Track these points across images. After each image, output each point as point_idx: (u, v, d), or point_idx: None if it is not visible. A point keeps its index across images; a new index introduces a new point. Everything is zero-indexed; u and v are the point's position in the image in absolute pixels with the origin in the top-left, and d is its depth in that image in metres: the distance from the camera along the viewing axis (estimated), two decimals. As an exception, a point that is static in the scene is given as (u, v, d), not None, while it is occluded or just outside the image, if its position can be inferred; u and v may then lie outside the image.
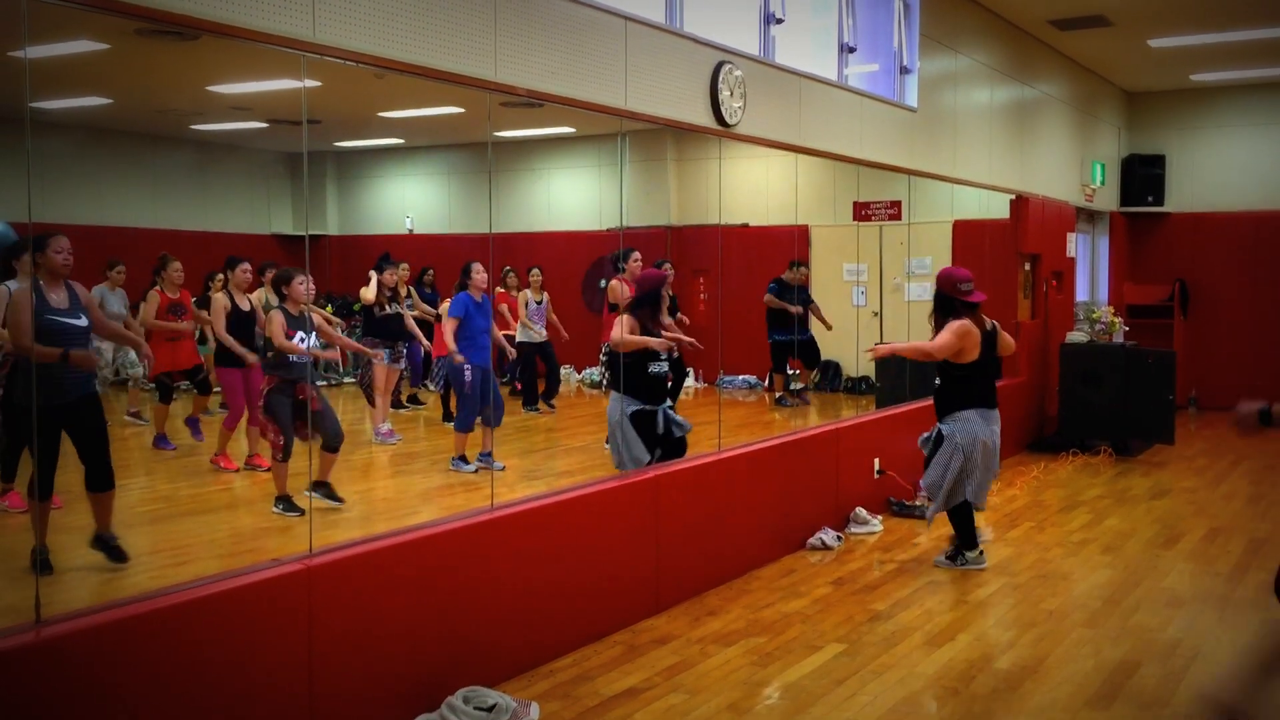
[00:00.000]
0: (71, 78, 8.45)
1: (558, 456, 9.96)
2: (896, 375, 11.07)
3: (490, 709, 4.64)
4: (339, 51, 4.55)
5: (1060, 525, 8.48)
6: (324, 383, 13.85)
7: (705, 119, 6.87)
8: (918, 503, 8.86)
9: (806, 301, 12.29)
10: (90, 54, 7.19)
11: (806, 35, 8.33)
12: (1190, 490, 9.84)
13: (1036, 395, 12.26)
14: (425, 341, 10.96)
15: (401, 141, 15.29)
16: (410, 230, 16.10)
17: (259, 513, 7.68)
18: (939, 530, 8.26)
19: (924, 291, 12.92)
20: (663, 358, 6.81)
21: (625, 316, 6.80)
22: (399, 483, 9.23)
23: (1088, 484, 10.01)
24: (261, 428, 7.59)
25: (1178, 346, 14.13)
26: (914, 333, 11.33)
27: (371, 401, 10.37)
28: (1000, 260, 12.03)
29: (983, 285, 12.60)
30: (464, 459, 8.91)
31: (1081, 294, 14.23)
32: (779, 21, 7.65)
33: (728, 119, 6.97)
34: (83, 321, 5.77)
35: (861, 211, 10.57)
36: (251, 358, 8.60)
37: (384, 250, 11.41)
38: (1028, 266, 12.14)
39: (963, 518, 7.16)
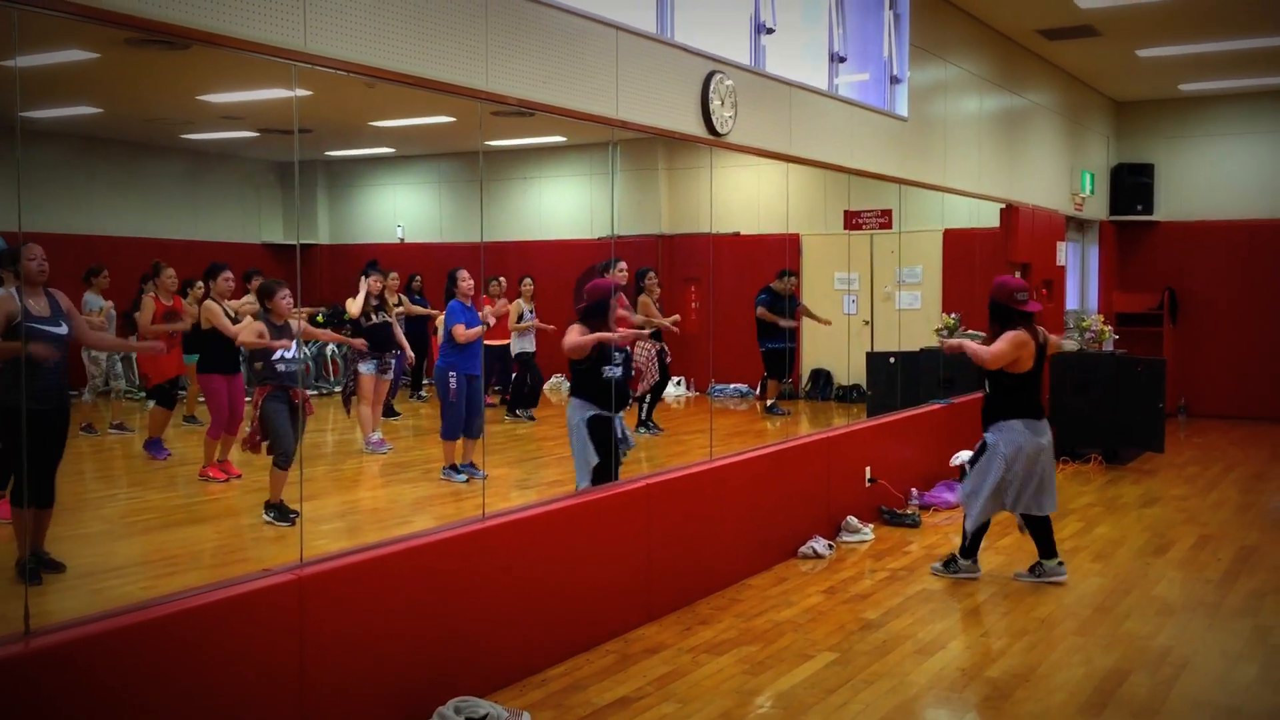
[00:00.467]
0: (62, 87, 8.44)
1: (549, 465, 9.95)
2: (887, 384, 11.10)
3: (482, 719, 4.63)
4: (330, 61, 4.55)
5: (1051, 533, 8.49)
6: (314, 392, 13.84)
7: (696, 128, 6.89)
8: (909, 511, 8.88)
9: (794, 307, 12.35)
10: (81, 63, 7.19)
11: (797, 45, 8.35)
12: (1180, 498, 9.87)
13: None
14: (410, 353, 10.92)
15: (393, 150, 15.30)
16: (401, 239, 16.10)
17: (245, 522, 7.66)
18: (929, 538, 8.26)
19: (914, 300, 13.00)
20: (617, 362, 6.80)
21: (575, 324, 6.81)
22: (389, 492, 9.22)
23: (1078, 492, 10.03)
24: (251, 437, 7.55)
25: (1167, 354, 14.19)
26: (904, 340, 11.38)
27: (348, 410, 10.34)
28: (990, 269, 12.05)
29: (973, 294, 12.68)
30: (455, 468, 8.92)
31: (1071, 302, 14.29)
32: (769, 31, 7.67)
33: (719, 128, 6.99)
34: (62, 329, 5.77)
35: (852, 220, 10.60)
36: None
37: (371, 259, 11.42)
38: (1018, 275, 12.17)
39: (1041, 528, 7.00)
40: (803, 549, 7.68)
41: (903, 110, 9.68)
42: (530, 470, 9.93)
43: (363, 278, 10.35)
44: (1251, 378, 14.91)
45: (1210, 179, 15.25)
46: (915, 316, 12.47)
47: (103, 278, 10.32)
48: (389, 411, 12.37)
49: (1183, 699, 5.06)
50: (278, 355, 7.41)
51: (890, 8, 9.46)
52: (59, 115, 10.14)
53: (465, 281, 9.09)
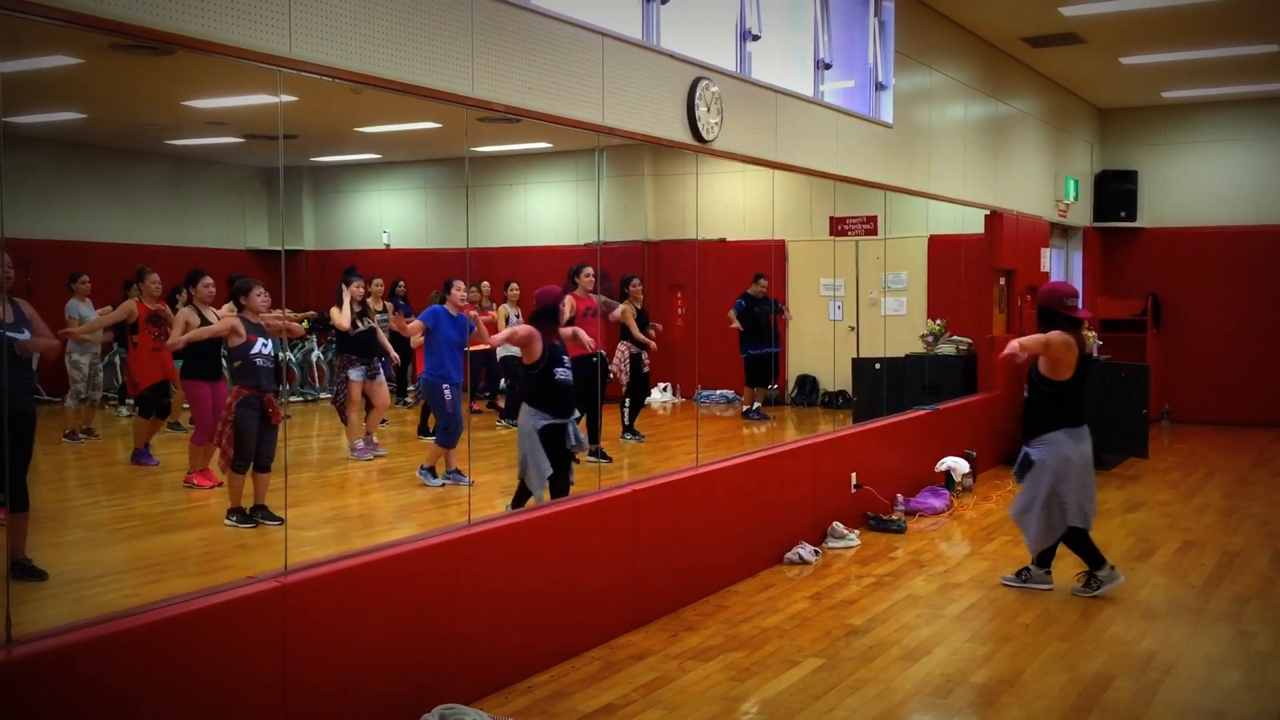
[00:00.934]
0: (45, 92, 8.39)
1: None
2: (872, 390, 11.12)
3: (467, 726, 4.62)
4: (315, 67, 4.54)
5: (1036, 539, 8.51)
6: (299, 399, 13.79)
7: (682, 134, 6.90)
8: (895, 517, 8.89)
9: (777, 311, 12.39)
10: (64, 68, 7.15)
11: (783, 51, 8.38)
12: (1164, 503, 9.91)
13: (1011, 410, 12.30)
14: (395, 356, 10.90)
15: (379, 156, 15.26)
16: (387, 245, 16.06)
17: (229, 530, 7.63)
18: (914, 544, 8.28)
19: (900, 306, 13.03)
20: (568, 365, 6.79)
21: (526, 330, 6.80)
22: (374, 499, 9.19)
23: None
24: (220, 438, 7.56)
25: (1151, 360, 14.25)
26: (890, 346, 11.41)
27: (345, 419, 10.31)
28: (975, 275, 12.12)
29: (958, 300, 12.74)
30: (432, 471, 8.91)
31: (1056, 308, 14.32)
32: (755, 38, 7.69)
33: (704, 134, 7.00)
34: (24, 335, 5.77)
35: (838, 226, 10.62)
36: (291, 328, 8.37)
37: (368, 266, 11.37)
38: (1002, 281, 12.23)
39: (1080, 540, 6.88)
40: (789, 555, 7.69)
41: (888, 117, 9.71)
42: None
43: (344, 286, 10.31)
44: (1234, 383, 15.00)
45: (1193, 186, 15.35)
46: (900, 322, 12.50)
47: (82, 283, 10.28)
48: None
49: (1166, 704, 5.08)
50: (255, 350, 7.43)
51: (875, 15, 9.49)
52: (42, 121, 10.08)
53: (459, 292, 9.14)
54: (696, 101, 6.89)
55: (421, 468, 8.97)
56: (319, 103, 8.15)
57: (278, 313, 7.86)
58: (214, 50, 4.15)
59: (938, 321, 12.02)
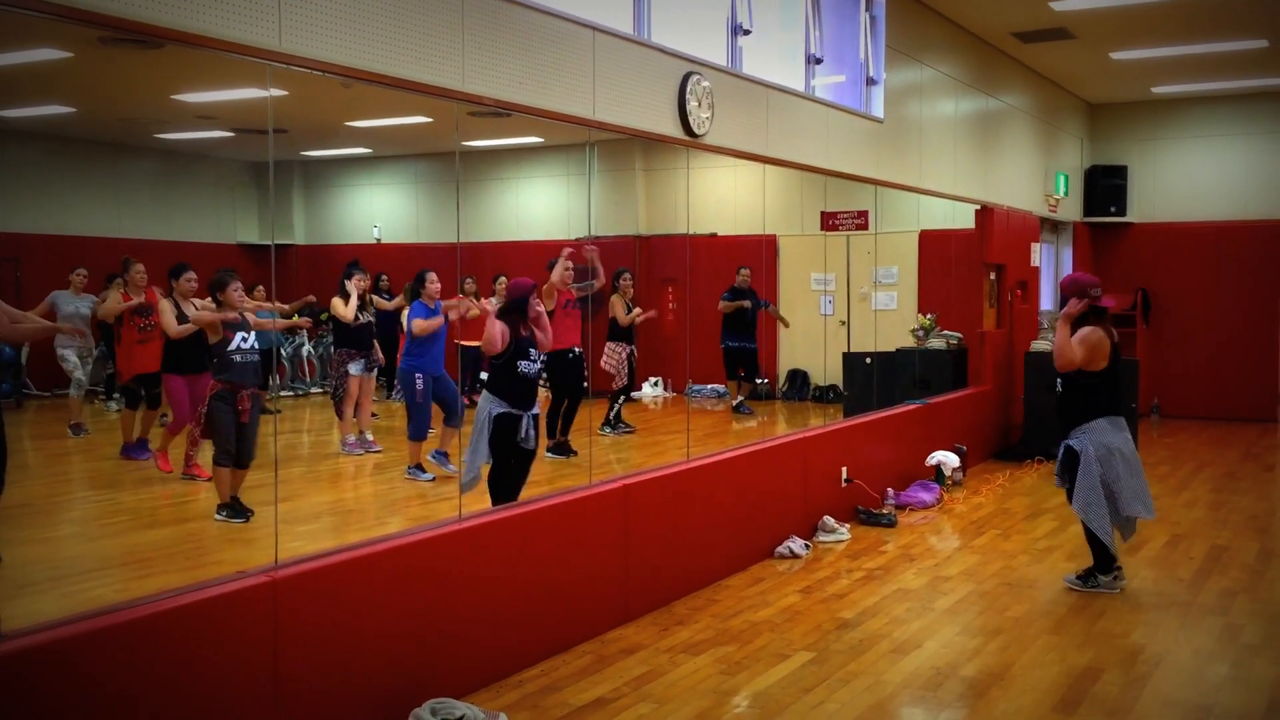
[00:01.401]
0: (34, 86, 8.37)
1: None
2: (863, 384, 11.14)
3: (458, 720, 4.62)
4: (305, 61, 4.53)
5: (1025, 533, 8.55)
6: (289, 394, 13.77)
7: (673, 129, 6.90)
8: (885, 511, 8.91)
9: (762, 306, 12.41)
10: (53, 62, 7.13)
11: (774, 46, 8.37)
12: (1153, 497, 9.92)
13: (1001, 404, 12.36)
14: (380, 356, 10.89)
15: (369, 151, 15.23)
16: (378, 239, 16.04)
17: (219, 525, 7.62)
18: (905, 538, 8.30)
19: (890, 301, 13.06)
20: (532, 357, 6.79)
21: (493, 320, 6.82)
22: (365, 493, 9.18)
23: (1052, 492, 10.08)
24: (200, 433, 7.57)
25: (1140, 355, 14.30)
26: (881, 341, 11.43)
27: (340, 414, 10.30)
28: (966, 270, 12.14)
29: (948, 295, 12.75)
30: (420, 467, 8.93)
31: (1046, 303, 14.38)
32: (746, 33, 7.69)
33: (695, 129, 7.00)
34: None
35: (829, 221, 10.64)
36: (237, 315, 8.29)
37: (352, 259, 11.35)
38: (993, 276, 12.25)
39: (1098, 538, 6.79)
40: (779, 549, 7.70)
41: (879, 112, 9.72)
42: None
43: (346, 279, 10.31)
44: (1223, 378, 15.06)
45: (1182, 181, 15.40)
46: (891, 317, 12.54)
47: (79, 276, 10.35)
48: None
49: (1155, 697, 5.11)
50: (233, 346, 7.41)
51: (866, 10, 9.50)
52: (31, 114, 10.06)
53: (433, 284, 9.14)
54: (687, 96, 6.89)
55: (409, 468, 8.97)
56: (309, 97, 8.14)
57: (268, 304, 7.84)
58: (203, 44, 4.13)
59: (928, 316, 12.05)
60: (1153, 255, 15.50)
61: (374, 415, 11.99)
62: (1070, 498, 6.83)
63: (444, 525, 5.22)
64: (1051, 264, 15.10)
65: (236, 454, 7.36)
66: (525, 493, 6.74)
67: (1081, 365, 6.67)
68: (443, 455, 9.10)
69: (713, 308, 12.51)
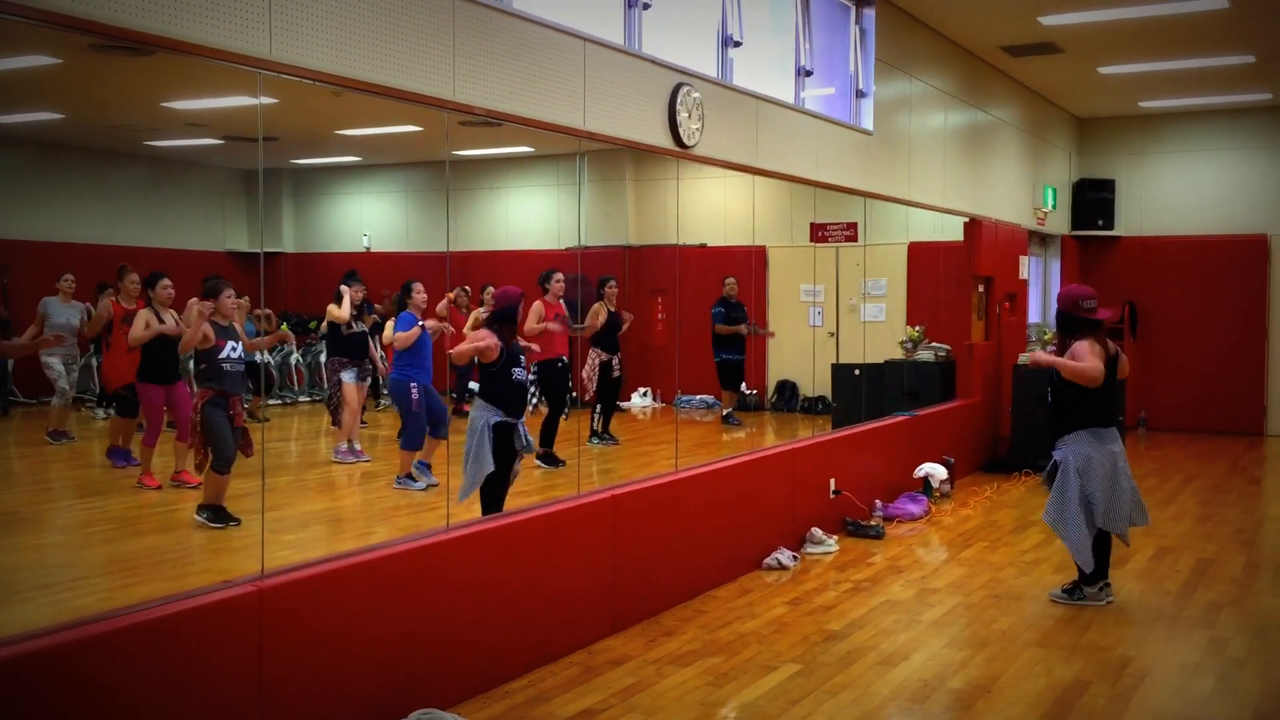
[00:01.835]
0: (23, 92, 8.35)
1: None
2: (852, 396, 11.16)
3: (444, 731, 4.61)
4: (295, 69, 4.53)
5: (1013, 545, 8.56)
6: (277, 401, 13.73)
7: (663, 140, 6.91)
8: (873, 523, 8.92)
9: (751, 330, 12.51)
10: (43, 68, 7.12)
11: (764, 58, 8.40)
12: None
13: (989, 416, 12.39)
14: (383, 366, 10.89)
15: (359, 159, 15.22)
16: (367, 248, 16.02)
17: (204, 534, 7.59)
18: (892, 550, 8.31)
19: (879, 312, 13.08)
20: (523, 364, 6.82)
21: (482, 329, 6.82)
22: (354, 502, 9.15)
23: (1040, 504, 10.08)
24: (194, 442, 7.52)
25: (1128, 368, 14.32)
26: (869, 352, 11.45)
27: (336, 421, 10.29)
28: (954, 283, 12.17)
29: (937, 307, 12.78)
30: (411, 477, 8.91)
31: (1034, 316, 14.43)
32: (737, 44, 7.71)
33: (685, 140, 7.02)
34: None
35: (818, 233, 10.65)
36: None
37: (348, 269, 11.36)
38: (981, 289, 12.29)
39: (1096, 549, 6.75)
40: (767, 560, 7.70)
41: (868, 124, 9.75)
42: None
43: (344, 287, 10.35)
44: (1209, 392, 15.12)
45: (1170, 195, 15.48)
46: (880, 329, 12.55)
47: (67, 283, 10.34)
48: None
49: (1141, 710, 5.12)
50: (223, 354, 7.40)
51: (856, 23, 9.54)
52: (21, 121, 10.03)
53: (419, 294, 9.15)
54: (678, 107, 6.91)
55: (398, 479, 8.96)
56: (300, 105, 8.13)
57: (261, 312, 7.81)
58: (194, 52, 4.13)
59: (917, 328, 12.08)
60: (1140, 269, 15.56)
61: (363, 424, 11.99)
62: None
63: (431, 535, 5.21)
64: (1040, 277, 15.15)
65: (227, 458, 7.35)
66: (514, 501, 6.73)
67: (1072, 376, 6.61)
68: (425, 466, 9.07)
69: (702, 319, 12.53)
